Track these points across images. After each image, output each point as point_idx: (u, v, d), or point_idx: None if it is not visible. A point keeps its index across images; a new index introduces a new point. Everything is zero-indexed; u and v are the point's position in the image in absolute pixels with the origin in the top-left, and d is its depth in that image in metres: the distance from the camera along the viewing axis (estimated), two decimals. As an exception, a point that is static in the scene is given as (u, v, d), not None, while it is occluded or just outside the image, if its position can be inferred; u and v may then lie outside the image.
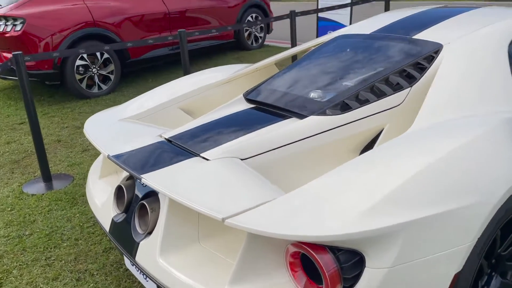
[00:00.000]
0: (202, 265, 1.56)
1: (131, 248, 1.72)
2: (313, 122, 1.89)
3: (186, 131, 1.98)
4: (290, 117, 1.97)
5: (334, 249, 1.30)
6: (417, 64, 2.11)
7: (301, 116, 1.94)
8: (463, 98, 1.88)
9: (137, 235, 1.72)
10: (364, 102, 1.97)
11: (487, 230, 1.46)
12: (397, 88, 2.02)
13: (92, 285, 2.25)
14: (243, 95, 2.28)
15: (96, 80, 5.44)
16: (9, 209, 3.03)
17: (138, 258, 1.68)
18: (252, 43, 7.57)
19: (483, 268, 1.61)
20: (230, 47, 7.33)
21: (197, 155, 1.76)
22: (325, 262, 1.27)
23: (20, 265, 2.44)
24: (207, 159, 1.71)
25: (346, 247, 1.29)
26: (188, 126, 2.04)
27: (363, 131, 1.96)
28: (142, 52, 5.89)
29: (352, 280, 1.29)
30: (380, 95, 2.00)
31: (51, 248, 2.57)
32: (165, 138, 1.94)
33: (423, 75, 2.05)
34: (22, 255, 2.52)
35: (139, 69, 6.39)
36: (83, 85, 5.34)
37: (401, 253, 1.29)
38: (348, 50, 2.44)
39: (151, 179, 1.57)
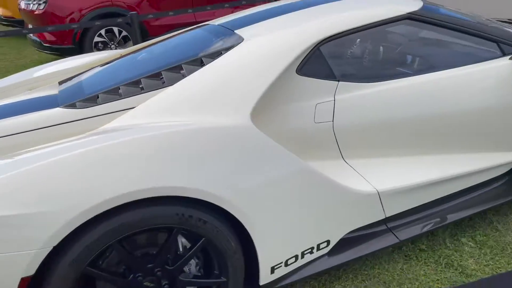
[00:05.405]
0: None
1: None
2: (58, 113, 1.88)
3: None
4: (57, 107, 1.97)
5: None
6: (209, 55, 2.00)
7: (55, 106, 1.95)
8: (185, 101, 1.74)
9: None
10: (114, 97, 1.90)
11: (81, 239, 1.44)
12: (160, 85, 1.92)
13: None
14: (58, 82, 2.37)
15: (115, 56, 5.90)
16: None
17: None
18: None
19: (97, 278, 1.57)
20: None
21: None
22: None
23: None
24: None
25: None
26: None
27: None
28: (162, 30, 6.17)
29: None
30: (135, 92, 1.91)
31: None
32: None
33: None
34: None
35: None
36: (101, 60, 5.85)
37: None
38: (172, 42, 2.38)
39: None
